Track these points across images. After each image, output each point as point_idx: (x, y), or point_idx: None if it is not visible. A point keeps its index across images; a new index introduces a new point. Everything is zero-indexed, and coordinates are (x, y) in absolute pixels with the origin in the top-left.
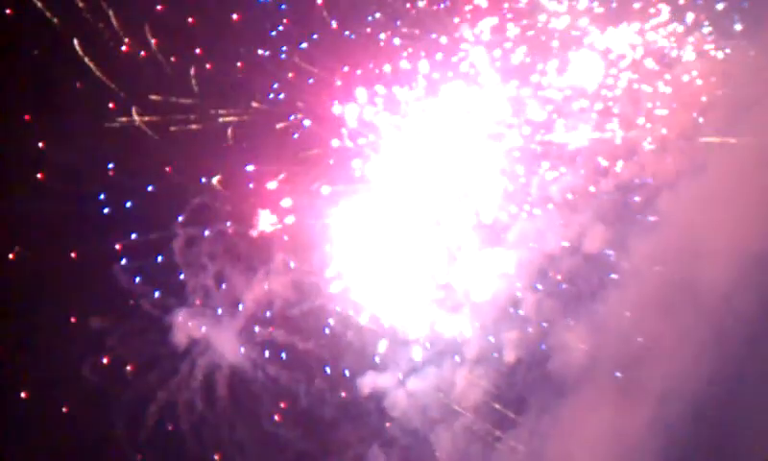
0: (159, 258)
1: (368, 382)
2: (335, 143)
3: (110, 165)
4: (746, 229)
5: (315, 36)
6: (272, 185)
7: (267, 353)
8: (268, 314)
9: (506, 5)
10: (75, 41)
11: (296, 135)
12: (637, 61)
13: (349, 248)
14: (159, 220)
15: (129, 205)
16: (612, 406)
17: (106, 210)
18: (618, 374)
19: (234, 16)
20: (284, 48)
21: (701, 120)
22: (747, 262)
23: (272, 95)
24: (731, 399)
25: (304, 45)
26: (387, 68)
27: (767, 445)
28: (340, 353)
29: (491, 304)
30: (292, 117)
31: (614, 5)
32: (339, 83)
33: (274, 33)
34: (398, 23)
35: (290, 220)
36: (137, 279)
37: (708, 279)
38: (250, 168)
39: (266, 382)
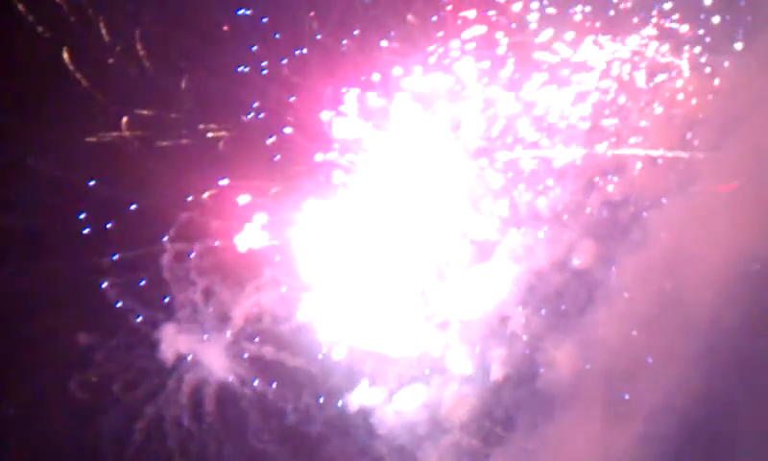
0: (147, 274)
1: (355, 399)
2: (324, 158)
3: (98, 180)
4: (734, 244)
5: (304, 50)
6: (261, 201)
7: (255, 370)
8: (256, 330)
9: (495, 19)
10: (64, 53)
11: (279, 155)
12: (626, 76)
13: (338, 264)
14: (147, 235)
15: (116, 220)
16: (600, 423)
17: (93, 225)
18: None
19: (224, 28)
20: (271, 62)
21: (689, 136)
22: (735, 278)
23: (261, 110)
24: (719, 415)
25: (288, 59)
26: (376, 79)
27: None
28: (328, 370)
29: (479, 321)
30: (282, 131)
31: (604, 19)
32: (328, 96)
33: (256, 47)
34: (388, 36)
35: (279, 236)
36: (124, 295)
37: (696, 295)
38: (238, 183)
39: (253, 399)
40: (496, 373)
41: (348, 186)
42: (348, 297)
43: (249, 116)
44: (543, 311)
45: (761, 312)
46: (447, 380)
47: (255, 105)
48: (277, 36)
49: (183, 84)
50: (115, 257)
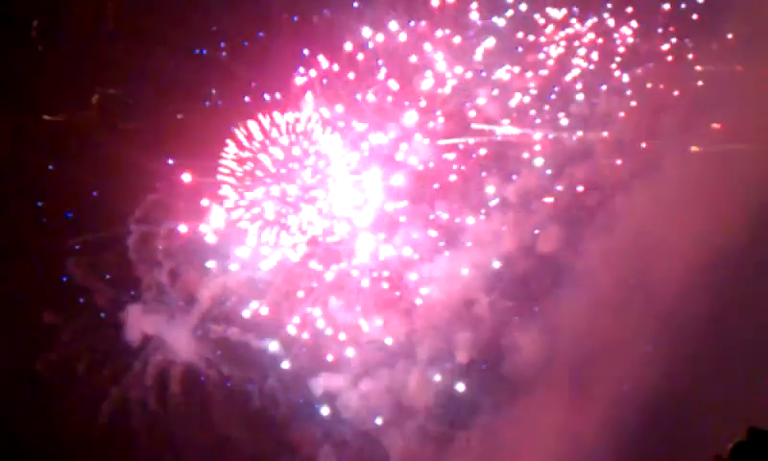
0: (113, 255)
1: (320, 383)
2: (288, 141)
3: (64, 161)
4: (700, 229)
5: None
6: (227, 183)
7: (220, 352)
8: (221, 312)
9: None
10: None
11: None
12: (594, 62)
13: (304, 247)
14: (114, 216)
15: (83, 201)
16: (566, 406)
17: (60, 206)
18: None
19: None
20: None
21: (656, 122)
22: (701, 262)
23: (226, 93)
24: (685, 397)
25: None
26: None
27: (721, 443)
28: (293, 353)
29: (444, 305)
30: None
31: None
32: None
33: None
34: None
35: (245, 218)
36: (89, 276)
37: (662, 280)
38: (204, 165)
39: (219, 381)
40: (461, 356)
41: (316, 171)
42: (315, 280)
43: (214, 100)
44: (509, 296)
45: (727, 297)
46: (412, 365)
47: (221, 89)
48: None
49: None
50: (82, 238)
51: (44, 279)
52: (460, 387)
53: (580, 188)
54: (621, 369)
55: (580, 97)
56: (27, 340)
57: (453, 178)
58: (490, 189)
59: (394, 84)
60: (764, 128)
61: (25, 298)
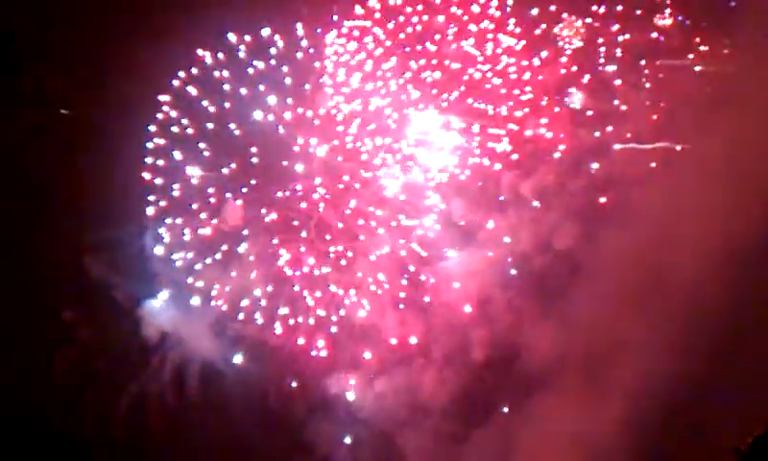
0: (132, 251)
1: (336, 382)
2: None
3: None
4: (715, 226)
5: None
6: (245, 180)
7: (238, 349)
8: (240, 309)
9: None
10: None
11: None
12: (610, 59)
13: (321, 244)
14: (131, 213)
15: (101, 198)
16: (581, 404)
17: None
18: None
19: None
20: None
21: (673, 119)
22: (717, 259)
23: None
24: (700, 395)
25: None
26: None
27: (737, 442)
28: (310, 352)
29: (460, 304)
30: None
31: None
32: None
33: None
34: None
35: (263, 215)
36: (108, 272)
37: (678, 277)
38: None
39: (236, 379)
40: (477, 355)
41: (332, 169)
42: (332, 278)
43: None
44: (525, 293)
45: (743, 294)
46: (428, 364)
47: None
48: None
49: None
50: (100, 234)
51: (63, 276)
52: (475, 386)
53: (597, 185)
54: (638, 367)
55: (596, 94)
56: (46, 337)
57: (470, 174)
58: (506, 186)
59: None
60: None
61: (43, 295)
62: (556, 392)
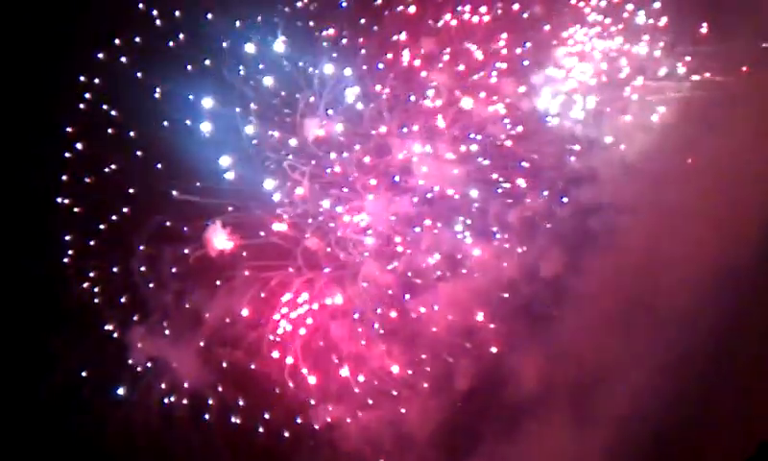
0: (119, 276)
1: (321, 413)
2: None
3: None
4: (706, 250)
5: None
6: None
7: (225, 377)
8: (227, 336)
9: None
10: None
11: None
12: (600, 81)
13: (308, 272)
14: (120, 238)
15: (89, 222)
16: (570, 431)
17: (65, 227)
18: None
19: None
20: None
21: (662, 141)
22: (707, 284)
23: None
24: (689, 421)
25: None
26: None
27: None
28: (296, 383)
29: (445, 333)
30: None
31: (579, 29)
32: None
33: None
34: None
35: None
36: (95, 298)
37: (667, 301)
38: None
39: (223, 408)
40: (463, 384)
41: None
42: (318, 307)
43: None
44: (512, 321)
45: (733, 317)
46: (414, 394)
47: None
48: None
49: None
50: (88, 259)
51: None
52: (460, 415)
53: (584, 210)
54: (626, 393)
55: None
56: (32, 363)
57: (457, 201)
58: (493, 213)
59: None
60: None
61: (30, 320)
62: (543, 420)
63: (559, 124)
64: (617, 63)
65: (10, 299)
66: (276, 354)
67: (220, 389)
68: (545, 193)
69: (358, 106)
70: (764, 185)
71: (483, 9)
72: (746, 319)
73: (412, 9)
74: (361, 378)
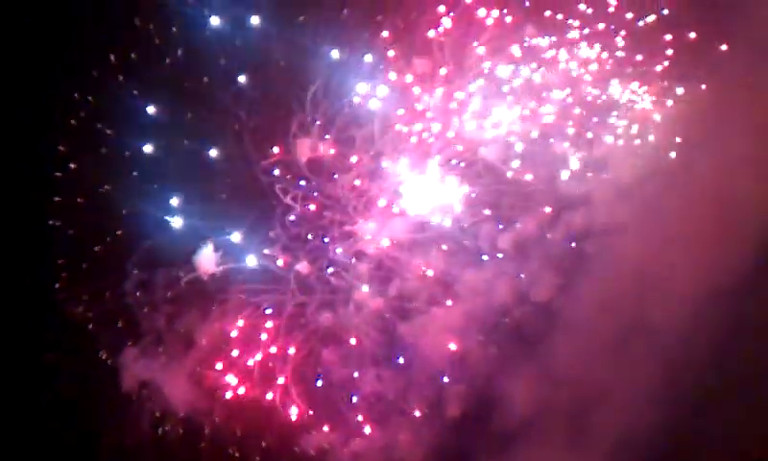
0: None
1: (312, 441)
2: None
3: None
4: (701, 271)
5: None
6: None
7: (217, 401)
8: (220, 358)
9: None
10: None
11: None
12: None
13: (300, 296)
14: (112, 259)
15: (81, 243)
16: (564, 455)
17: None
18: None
19: None
20: None
21: (652, 163)
22: (702, 306)
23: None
24: (686, 447)
25: None
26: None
27: None
28: (286, 409)
29: (437, 360)
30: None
31: (570, 55)
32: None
33: None
34: None
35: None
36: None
37: (661, 324)
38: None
39: (214, 433)
40: (456, 410)
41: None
42: (310, 333)
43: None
44: (504, 346)
45: (728, 340)
46: (406, 420)
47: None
48: None
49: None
50: (80, 280)
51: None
52: (451, 442)
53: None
54: (620, 418)
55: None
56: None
57: (447, 225)
58: (484, 237)
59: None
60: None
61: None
62: (537, 444)
63: (551, 147)
64: (608, 85)
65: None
66: (268, 379)
67: (213, 414)
68: (538, 216)
69: (352, 128)
70: (758, 204)
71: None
72: (741, 340)
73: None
74: (353, 403)
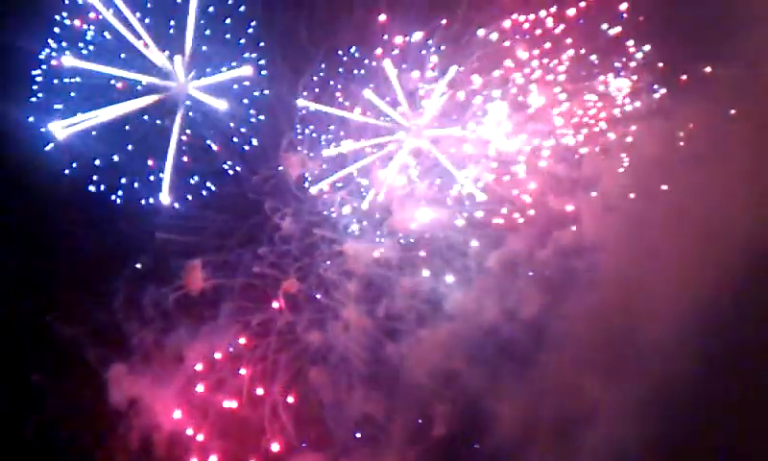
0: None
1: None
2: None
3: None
4: (687, 287)
5: None
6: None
7: (205, 418)
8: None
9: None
10: None
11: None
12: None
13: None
14: (103, 277)
15: (72, 261)
16: None
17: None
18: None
19: None
20: None
21: (641, 182)
22: (689, 321)
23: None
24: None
25: None
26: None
27: None
28: (276, 427)
29: (425, 380)
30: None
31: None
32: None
33: None
34: None
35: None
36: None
37: (648, 339)
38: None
39: (202, 450)
40: (445, 430)
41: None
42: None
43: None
44: (492, 365)
45: (715, 354)
46: (390, 443)
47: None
48: None
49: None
50: (71, 297)
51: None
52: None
53: (565, 251)
54: (610, 431)
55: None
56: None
57: (438, 244)
58: (473, 256)
59: None
60: (753, 179)
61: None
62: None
63: (540, 164)
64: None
65: None
66: (256, 396)
67: (200, 431)
68: (527, 234)
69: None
70: (745, 220)
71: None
72: (729, 354)
73: None
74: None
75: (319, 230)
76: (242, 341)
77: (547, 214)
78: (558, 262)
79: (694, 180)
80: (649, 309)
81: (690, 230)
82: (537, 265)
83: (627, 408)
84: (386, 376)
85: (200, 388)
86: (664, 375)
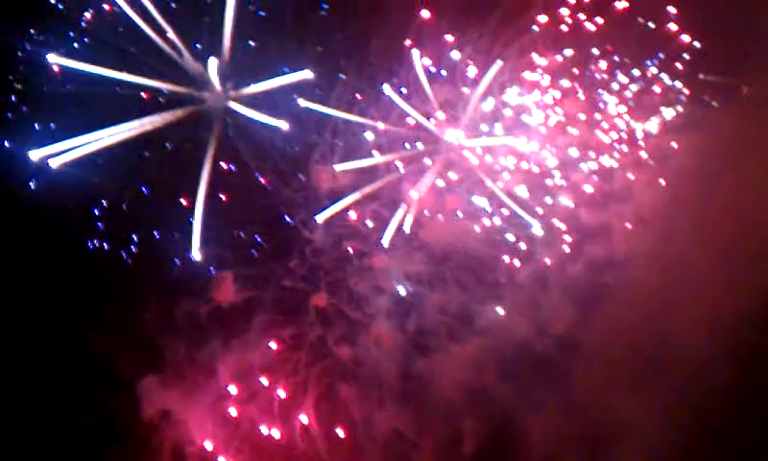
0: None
1: None
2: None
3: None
4: (718, 302)
5: None
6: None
7: (236, 433)
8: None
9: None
10: None
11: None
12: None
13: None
14: (135, 289)
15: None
16: None
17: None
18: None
19: None
20: None
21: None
22: (720, 336)
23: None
24: None
25: None
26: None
27: None
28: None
29: (455, 395)
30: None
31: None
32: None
33: None
34: None
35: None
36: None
37: (679, 355)
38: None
39: None
40: (474, 446)
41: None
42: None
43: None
44: (523, 380)
45: (746, 370)
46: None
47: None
48: None
49: None
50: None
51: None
52: None
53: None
54: (640, 448)
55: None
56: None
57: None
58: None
59: None
60: None
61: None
62: None
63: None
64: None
65: (25, 351)
66: (288, 414)
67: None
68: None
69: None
70: None
71: None
72: (762, 369)
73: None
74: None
75: (349, 242)
76: (272, 348)
77: (579, 228)
78: (590, 276)
79: (727, 194)
80: (682, 324)
81: (724, 244)
82: (568, 279)
83: (659, 424)
84: (416, 392)
85: (232, 409)
86: (697, 390)
